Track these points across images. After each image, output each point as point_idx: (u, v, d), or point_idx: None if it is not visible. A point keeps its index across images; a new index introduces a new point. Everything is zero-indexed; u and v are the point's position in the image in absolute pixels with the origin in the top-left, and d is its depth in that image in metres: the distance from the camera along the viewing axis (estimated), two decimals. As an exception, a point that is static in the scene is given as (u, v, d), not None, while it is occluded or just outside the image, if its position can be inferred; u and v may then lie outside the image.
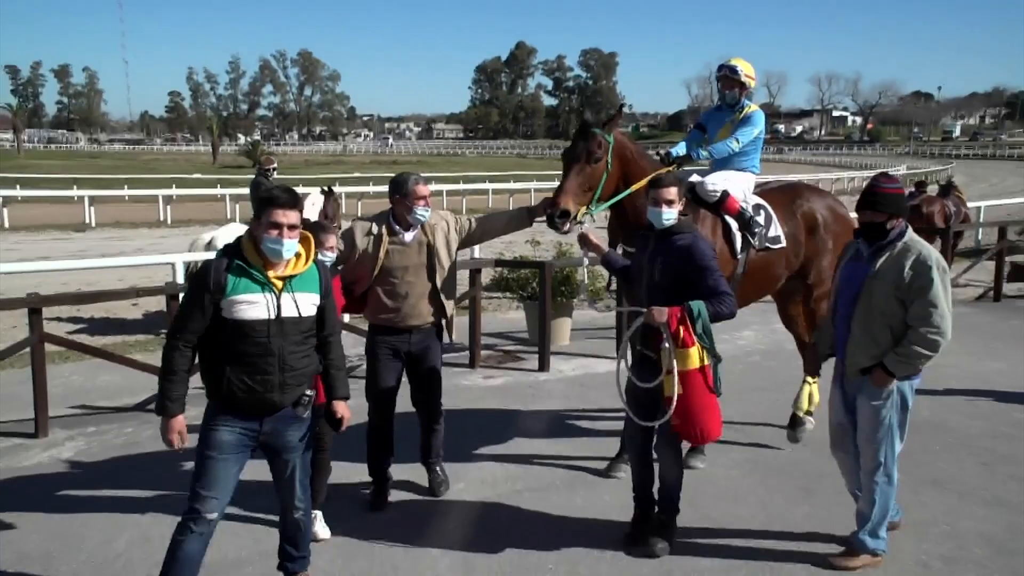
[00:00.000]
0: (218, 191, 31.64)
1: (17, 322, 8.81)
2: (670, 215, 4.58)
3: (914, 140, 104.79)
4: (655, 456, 4.84)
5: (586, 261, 5.41)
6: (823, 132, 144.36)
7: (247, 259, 3.71)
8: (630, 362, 4.80)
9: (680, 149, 6.06)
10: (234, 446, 3.81)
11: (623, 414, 5.00)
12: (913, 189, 17.39)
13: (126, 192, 31.88)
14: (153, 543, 4.80)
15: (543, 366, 8.69)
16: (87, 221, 24.99)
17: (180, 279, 9.85)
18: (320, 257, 4.40)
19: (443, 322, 5.36)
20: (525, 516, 5.20)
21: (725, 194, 5.80)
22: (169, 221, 26.06)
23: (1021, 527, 5.05)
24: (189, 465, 6.03)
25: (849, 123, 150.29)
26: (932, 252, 4.28)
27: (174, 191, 30.34)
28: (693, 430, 4.51)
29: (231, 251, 3.76)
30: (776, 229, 5.96)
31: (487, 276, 10.44)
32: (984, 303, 12.12)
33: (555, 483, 5.73)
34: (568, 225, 5.07)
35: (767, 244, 5.88)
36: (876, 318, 4.29)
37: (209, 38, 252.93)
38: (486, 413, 7.25)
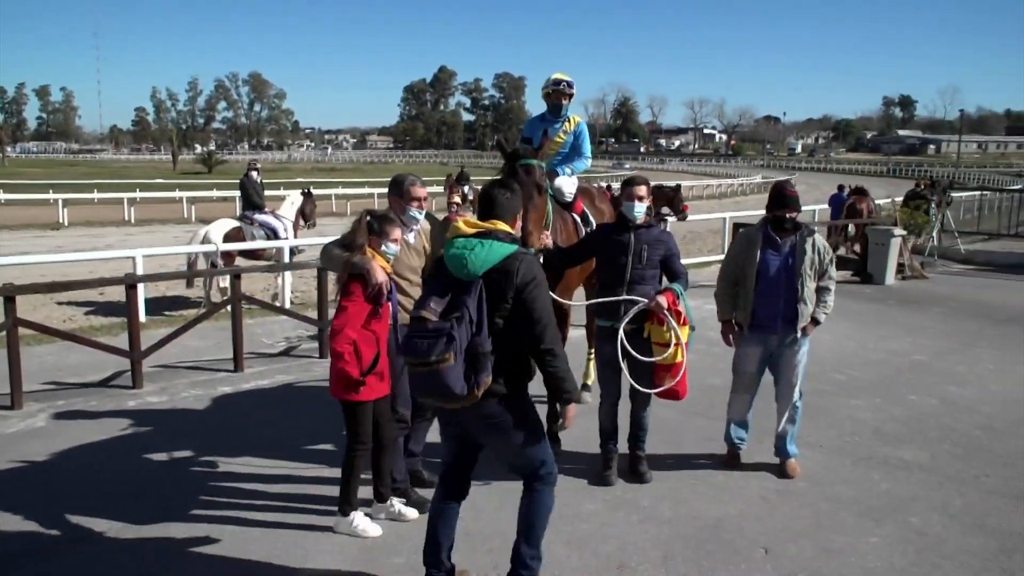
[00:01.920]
0: (176, 194, 30.76)
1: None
2: (642, 208, 4.86)
3: (767, 155, 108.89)
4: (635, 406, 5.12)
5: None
6: (696, 147, 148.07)
7: None
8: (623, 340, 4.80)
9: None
10: None
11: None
12: (837, 191, 18.45)
13: (96, 195, 30.56)
14: (116, 498, 4.80)
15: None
16: (61, 221, 24.09)
17: (140, 271, 9.57)
18: (383, 249, 4.16)
19: None
20: (437, 468, 5.24)
21: (575, 197, 5.90)
22: (133, 220, 25.24)
23: (832, 464, 5.43)
24: (143, 430, 6.01)
25: (717, 139, 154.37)
26: (820, 235, 5.16)
27: (138, 194, 29.34)
28: (680, 388, 4.85)
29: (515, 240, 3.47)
30: (593, 224, 5.96)
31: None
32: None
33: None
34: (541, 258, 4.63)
35: None
36: (808, 287, 5.00)
37: (171, 61, 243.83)
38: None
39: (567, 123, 5.97)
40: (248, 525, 4.45)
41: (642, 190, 4.88)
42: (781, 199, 5.00)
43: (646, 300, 4.73)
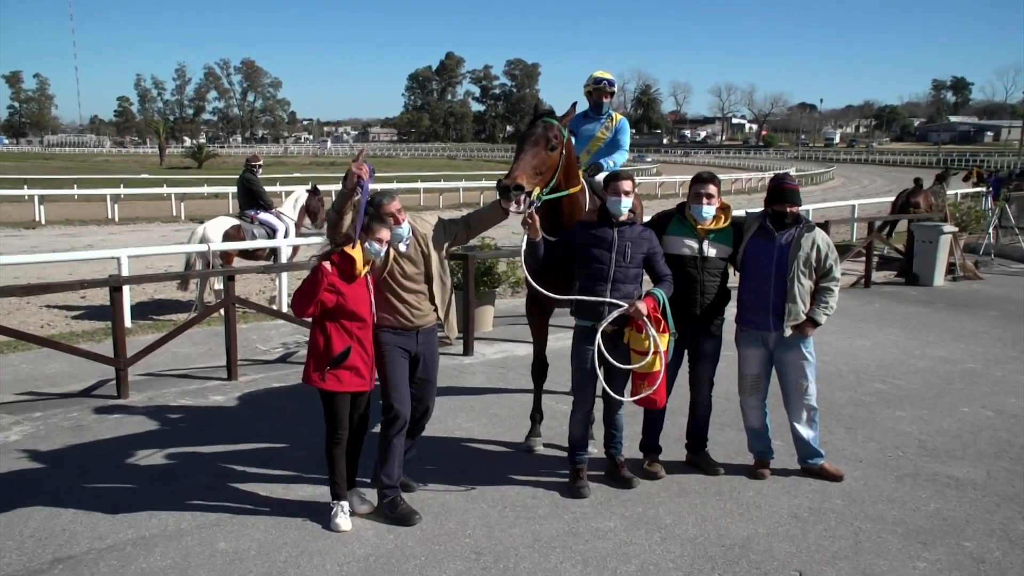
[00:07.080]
0: (164, 190, 30.90)
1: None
2: (628, 203, 4.98)
3: (801, 146, 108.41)
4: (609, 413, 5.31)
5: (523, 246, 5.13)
6: (724, 137, 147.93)
7: None
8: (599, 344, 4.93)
9: None
10: None
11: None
12: (994, 176, 20.57)
13: (75, 191, 30.69)
14: (95, 517, 4.81)
15: (467, 350, 8.79)
16: (37, 219, 24.06)
17: (125, 272, 9.66)
18: (367, 246, 4.47)
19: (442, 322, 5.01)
20: (448, 479, 5.32)
21: None
22: (117, 219, 25.33)
23: (873, 480, 5.41)
24: (128, 444, 6.06)
25: (746, 129, 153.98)
26: (823, 232, 5.26)
27: (122, 190, 29.47)
28: (657, 397, 5.01)
29: None
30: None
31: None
32: (856, 289, 12.67)
33: (472, 455, 5.86)
34: (521, 202, 4.70)
35: None
36: (802, 284, 5.09)
37: (157, 47, 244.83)
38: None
39: (609, 120, 6.43)
40: (242, 543, 4.49)
41: (627, 185, 5.00)
42: (780, 193, 5.13)
43: (626, 304, 4.88)
